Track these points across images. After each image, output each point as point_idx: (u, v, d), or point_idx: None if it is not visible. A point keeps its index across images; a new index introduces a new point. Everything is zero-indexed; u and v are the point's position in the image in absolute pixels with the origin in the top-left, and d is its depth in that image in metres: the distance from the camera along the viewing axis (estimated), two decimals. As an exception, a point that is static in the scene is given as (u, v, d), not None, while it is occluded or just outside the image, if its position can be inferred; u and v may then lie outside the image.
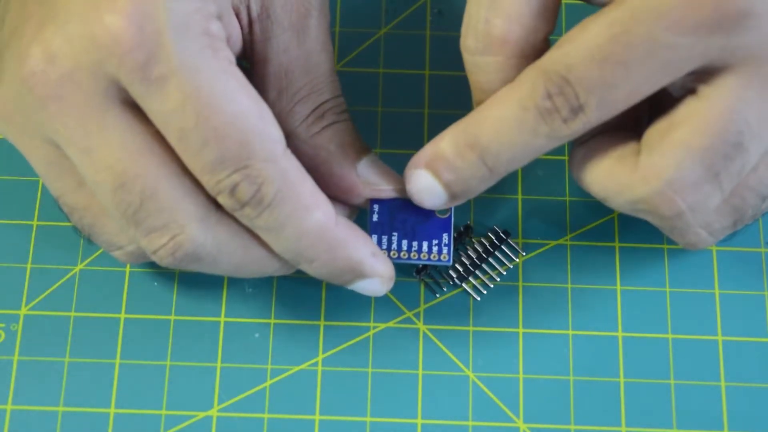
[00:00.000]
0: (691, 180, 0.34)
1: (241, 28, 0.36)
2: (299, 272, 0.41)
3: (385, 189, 0.37)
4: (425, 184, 0.36)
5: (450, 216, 0.38)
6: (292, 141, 0.36)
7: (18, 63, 0.32)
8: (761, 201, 0.36)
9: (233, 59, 0.33)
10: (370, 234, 0.37)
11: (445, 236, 0.37)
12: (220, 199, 0.33)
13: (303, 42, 0.36)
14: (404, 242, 0.38)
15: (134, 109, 0.32)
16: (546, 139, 0.33)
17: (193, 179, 0.33)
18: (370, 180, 0.37)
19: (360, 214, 0.38)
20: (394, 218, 0.37)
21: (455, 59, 0.44)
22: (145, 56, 0.31)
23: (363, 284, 0.36)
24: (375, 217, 0.37)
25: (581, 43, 0.32)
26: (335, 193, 0.37)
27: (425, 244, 0.37)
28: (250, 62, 0.36)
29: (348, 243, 0.35)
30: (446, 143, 0.35)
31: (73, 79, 0.32)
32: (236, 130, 0.32)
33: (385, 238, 0.37)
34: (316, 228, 0.34)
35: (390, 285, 0.37)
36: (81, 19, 0.31)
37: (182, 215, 0.33)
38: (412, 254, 0.38)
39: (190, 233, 0.33)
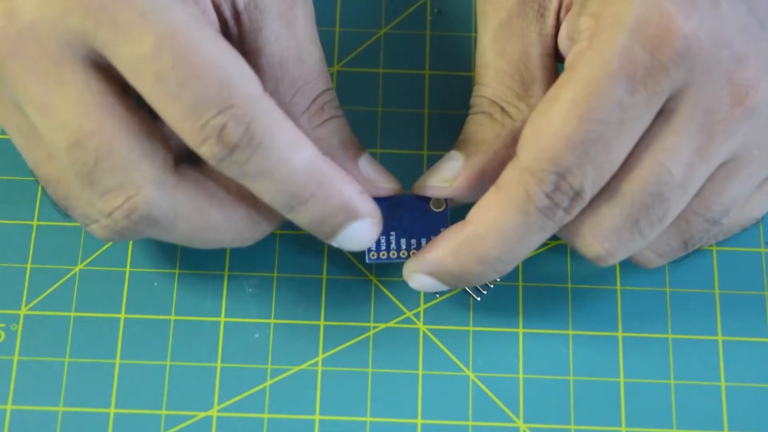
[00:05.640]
0: (608, 226, 0.34)
1: (225, 21, 0.35)
2: (300, 271, 0.41)
3: (384, 187, 0.37)
4: (429, 284, 0.36)
5: (446, 209, 0.38)
6: None
7: None
8: (710, 225, 0.36)
9: (201, 14, 0.33)
10: None
11: (442, 231, 0.37)
12: (205, 149, 0.32)
13: (293, 32, 0.36)
14: (403, 241, 0.38)
15: (95, 68, 0.32)
16: (551, 231, 0.34)
17: (151, 142, 0.33)
18: (369, 177, 0.37)
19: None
20: (391, 217, 0.37)
21: (455, 59, 0.44)
22: (112, 2, 0.31)
23: (355, 228, 0.35)
24: None
25: (555, 133, 0.32)
26: None
27: (424, 241, 0.37)
28: (241, 55, 0.36)
29: (339, 178, 0.34)
30: (451, 259, 0.35)
31: (33, 33, 0.32)
32: (216, 68, 0.31)
33: (383, 238, 0.37)
34: (308, 164, 0.33)
35: (379, 229, 0.36)
36: None
37: (138, 176, 0.33)
38: (411, 252, 0.37)
39: (146, 194, 0.33)
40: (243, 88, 0.32)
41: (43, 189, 0.42)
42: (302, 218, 0.35)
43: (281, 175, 0.33)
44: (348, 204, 0.35)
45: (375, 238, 0.36)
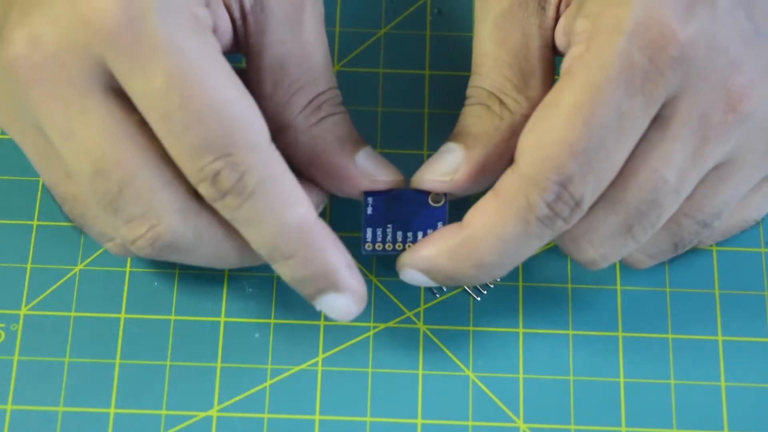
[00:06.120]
0: (603, 232, 0.35)
1: (234, 20, 0.35)
2: (299, 272, 0.41)
3: (382, 180, 0.37)
4: (421, 280, 0.36)
5: (444, 204, 0.37)
6: (290, 133, 0.36)
7: (2, 48, 0.32)
8: (701, 227, 0.36)
9: (219, 47, 0.33)
10: (364, 227, 0.38)
11: (440, 225, 0.37)
12: (201, 189, 0.33)
13: (298, 34, 0.36)
14: (399, 233, 0.38)
15: (118, 96, 0.32)
16: (548, 239, 0.34)
17: (173, 170, 0.33)
18: (367, 171, 0.37)
19: (354, 208, 0.38)
20: (389, 210, 0.37)
21: (455, 59, 0.44)
22: (131, 35, 0.31)
23: (333, 299, 0.35)
24: (369, 210, 0.37)
25: (556, 139, 0.32)
26: (332, 185, 0.37)
27: (420, 234, 0.37)
28: (245, 55, 0.36)
29: (327, 245, 0.34)
30: (445, 260, 0.35)
31: (57, 61, 0.32)
32: (220, 115, 0.32)
33: (380, 231, 0.37)
34: (297, 224, 0.33)
35: (361, 308, 0.35)
36: (67, 2, 0.31)
37: (161, 204, 0.33)
38: (408, 245, 0.37)
39: (169, 223, 0.33)
40: (245, 137, 0.32)
41: (44, 190, 0.42)
42: (282, 273, 0.35)
43: (267, 227, 0.33)
44: (330, 273, 0.34)
45: (356, 313, 0.35)
